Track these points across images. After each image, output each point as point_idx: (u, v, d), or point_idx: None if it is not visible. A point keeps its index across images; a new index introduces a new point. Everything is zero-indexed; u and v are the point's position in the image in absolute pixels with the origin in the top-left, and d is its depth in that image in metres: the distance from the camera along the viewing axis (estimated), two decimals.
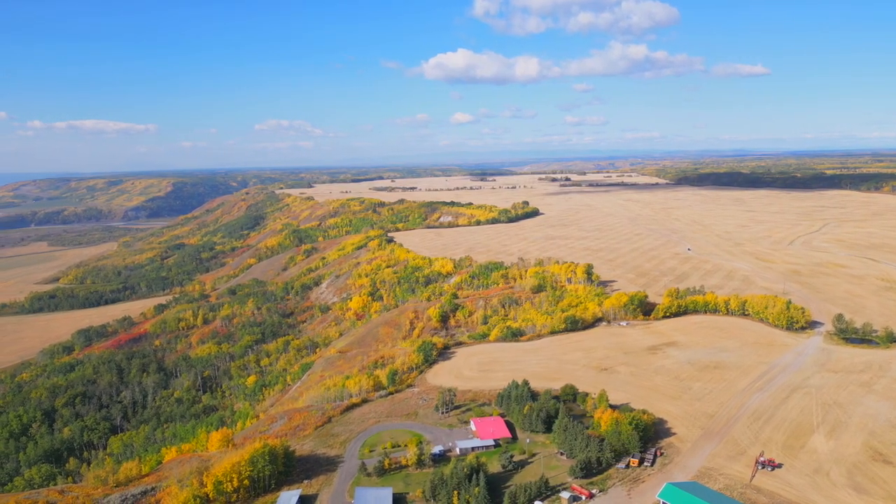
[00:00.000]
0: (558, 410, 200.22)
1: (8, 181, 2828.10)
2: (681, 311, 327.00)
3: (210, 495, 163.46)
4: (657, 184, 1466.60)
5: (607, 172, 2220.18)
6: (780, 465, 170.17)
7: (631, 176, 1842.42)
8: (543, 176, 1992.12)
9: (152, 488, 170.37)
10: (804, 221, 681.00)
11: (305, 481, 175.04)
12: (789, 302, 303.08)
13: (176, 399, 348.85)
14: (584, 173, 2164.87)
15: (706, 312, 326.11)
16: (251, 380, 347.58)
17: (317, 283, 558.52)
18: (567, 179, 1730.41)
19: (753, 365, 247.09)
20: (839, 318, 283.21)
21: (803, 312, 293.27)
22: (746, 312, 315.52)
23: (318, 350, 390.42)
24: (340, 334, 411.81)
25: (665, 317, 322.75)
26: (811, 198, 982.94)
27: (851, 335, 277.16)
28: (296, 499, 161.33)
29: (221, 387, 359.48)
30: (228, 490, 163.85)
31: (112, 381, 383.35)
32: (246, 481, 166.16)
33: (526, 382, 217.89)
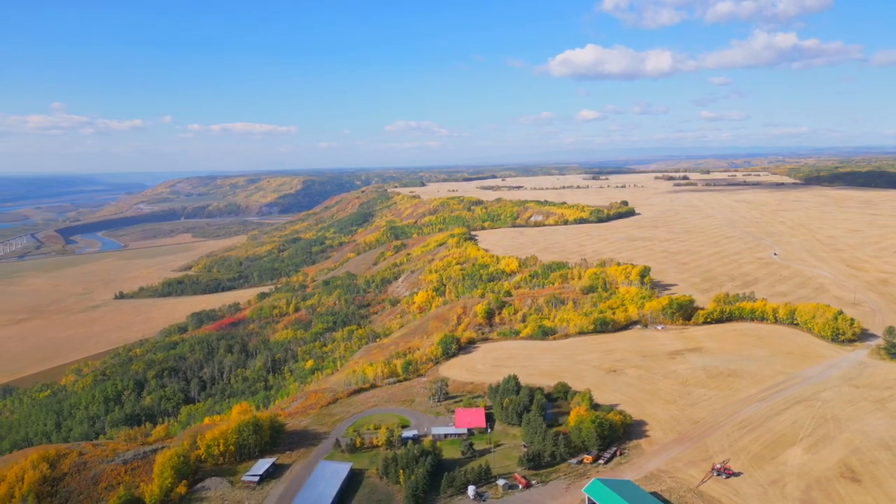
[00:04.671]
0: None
1: (167, 178, 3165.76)
2: (724, 318, 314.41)
3: (202, 457, 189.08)
4: (783, 184, 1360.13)
5: (734, 171, 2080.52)
6: (737, 474, 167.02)
7: (759, 175, 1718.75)
8: (661, 174, 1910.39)
9: (162, 447, 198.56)
10: None
11: (287, 452, 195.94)
12: (839, 312, 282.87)
13: (244, 377, 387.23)
14: (709, 172, 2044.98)
15: (752, 320, 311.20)
16: (309, 364, 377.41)
17: (396, 278, 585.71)
18: (684, 178, 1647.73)
19: (771, 375, 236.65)
20: (890, 330, 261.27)
21: (852, 324, 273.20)
22: (795, 321, 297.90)
23: (377, 339, 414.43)
24: (401, 326, 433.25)
25: (706, 322, 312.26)
26: None
27: None
28: (269, 464, 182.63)
29: (284, 369, 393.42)
30: (216, 453, 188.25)
31: (199, 358, 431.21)
32: (232, 447, 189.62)
33: (515, 377, 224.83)
